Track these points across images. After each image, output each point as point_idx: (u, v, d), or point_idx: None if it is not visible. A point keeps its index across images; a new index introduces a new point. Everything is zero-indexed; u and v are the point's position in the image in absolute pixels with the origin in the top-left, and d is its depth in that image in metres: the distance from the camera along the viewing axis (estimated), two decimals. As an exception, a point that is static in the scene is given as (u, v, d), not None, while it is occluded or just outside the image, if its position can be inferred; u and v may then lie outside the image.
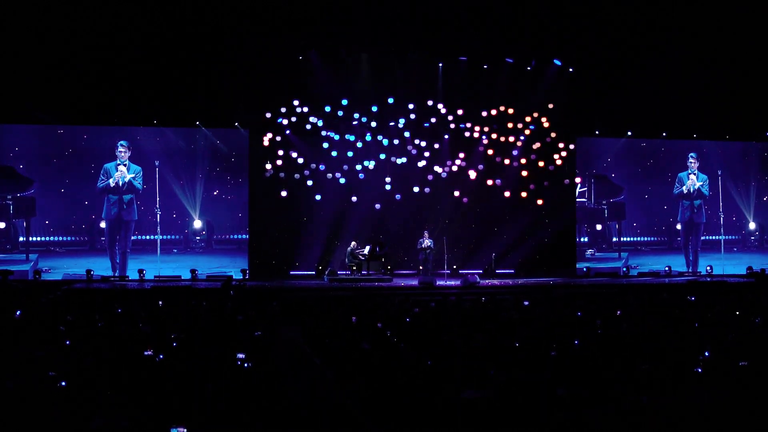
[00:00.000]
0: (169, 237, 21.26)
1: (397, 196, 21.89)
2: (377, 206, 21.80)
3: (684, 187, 24.09)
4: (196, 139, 21.33)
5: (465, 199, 22.39)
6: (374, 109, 21.57)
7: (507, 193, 22.48)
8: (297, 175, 21.38)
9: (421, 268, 21.05)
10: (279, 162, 21.25)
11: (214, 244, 21.64)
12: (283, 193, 21.18)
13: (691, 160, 24.18)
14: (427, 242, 20.82)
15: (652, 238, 24.49)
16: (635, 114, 22.62)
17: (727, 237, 24.59)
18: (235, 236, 21.76)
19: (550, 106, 22.37)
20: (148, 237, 20.96)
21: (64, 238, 20.75)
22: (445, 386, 6.20)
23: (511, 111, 22.34)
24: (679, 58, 21.28)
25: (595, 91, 21.95)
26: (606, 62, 21.66)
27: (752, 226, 25.14)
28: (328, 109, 21.36)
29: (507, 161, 22.52)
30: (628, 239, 24.27)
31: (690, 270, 23.63)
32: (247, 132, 21.40)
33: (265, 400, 6.10)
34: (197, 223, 21.39)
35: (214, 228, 21.64)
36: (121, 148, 20.54)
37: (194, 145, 21.32)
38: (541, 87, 22.29)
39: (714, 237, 24.53)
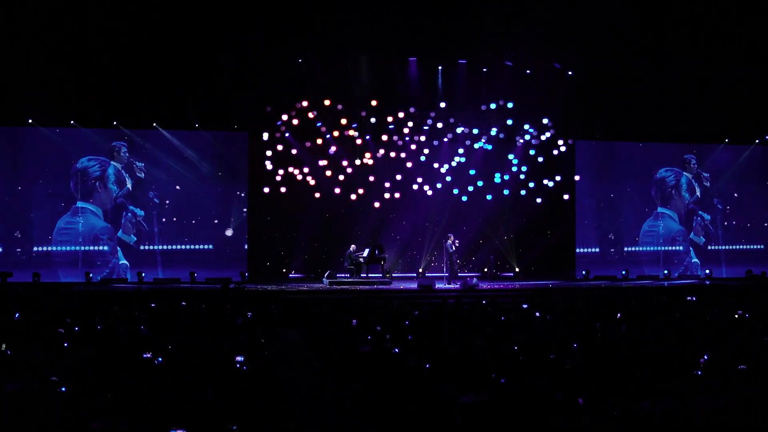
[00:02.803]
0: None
1: (397, 195, 21.88)
2: (376, 204, 21.72)
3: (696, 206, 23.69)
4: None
5: (464, 198, 22.32)
6: (373, 110, 21.57)
7: (506, 191, 22.47)
8: (297, 177, 21.36)
9: (447, 269, 20.80)
10: (279, 172, 21.23)
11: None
12: (282, 189, 21.15)
13: (693, 161, 23.95)
14: (451, 243, 20.66)
15: (590, 250, 23.51)
16: (634, 117, 22.61)
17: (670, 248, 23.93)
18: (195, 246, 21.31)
19: (545, 121, 22.32)
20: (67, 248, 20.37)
21: None
22: (444, 390, 6.19)
23: (510, 114, 22.33)
24: (678, 62, 21.31)
25: (594, 95, 21.96)
26: (605, 65, 21.66)
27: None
28: (327, 111, 21.37)
29: (506, 164, 22.53)
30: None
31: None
32: (246, 134, 21.42)
33: (264, 402, 6.09)
34: None
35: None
36: (123, 149, 20.48)
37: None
38: (540, 90, 22.29)
39: (658, 248, 23.75)
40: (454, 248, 20.27)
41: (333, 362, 8.26)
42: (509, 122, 22.34)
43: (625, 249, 23.60)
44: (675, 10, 20.35)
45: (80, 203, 20.45)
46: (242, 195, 21.49)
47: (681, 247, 23.78)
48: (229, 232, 21.26)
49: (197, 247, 21.19)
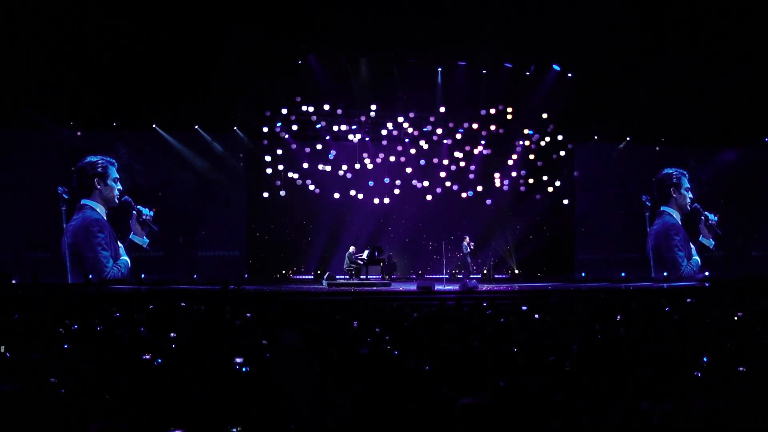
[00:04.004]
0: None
1: (396, 197, 21.91)
2: (375, 201, 21.74)
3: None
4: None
5: (463, 196, 22.33)
6: (373, 113, 21.59)
7: (505, 188, 22.49)
8: (296, 180, 21.36)
9: (457, 270, 20.91)
10: (279, 170, 21.23)
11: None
12: (282, 193, 21.15)
13: (692, 163, 23.95)
14: (467, 245, 20.71)
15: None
16: (634, 119, 22.62)
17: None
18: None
19: (545, 115, 22.29)
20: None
21: None
22: (443, 391, 6.19)
23: (510, 116, 22.35)
24: (677, 64, 21.31)
25: (594, 96, 21.98)
26: (605, 67, 21.67)
27: None
28: (327, 114, 21.38)
29: (505, 167, 22.54)
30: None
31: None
32: (246, 137, 21.43)
33: (264, 403, 6.09)
34: None
35: None
36: (122, 149, 20.61)
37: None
38: (540, 92, 22.30)
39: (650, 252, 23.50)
40: (469, 249, 20.41)
41: (332, 363, 8.25)
42: (509, 125, 22.36)
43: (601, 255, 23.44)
44: (675, 10, 20.37)
45: (83, 201, 20.42)
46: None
47: (674, 240, 23.55)
48: (181, 239, 21.12)
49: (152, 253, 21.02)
